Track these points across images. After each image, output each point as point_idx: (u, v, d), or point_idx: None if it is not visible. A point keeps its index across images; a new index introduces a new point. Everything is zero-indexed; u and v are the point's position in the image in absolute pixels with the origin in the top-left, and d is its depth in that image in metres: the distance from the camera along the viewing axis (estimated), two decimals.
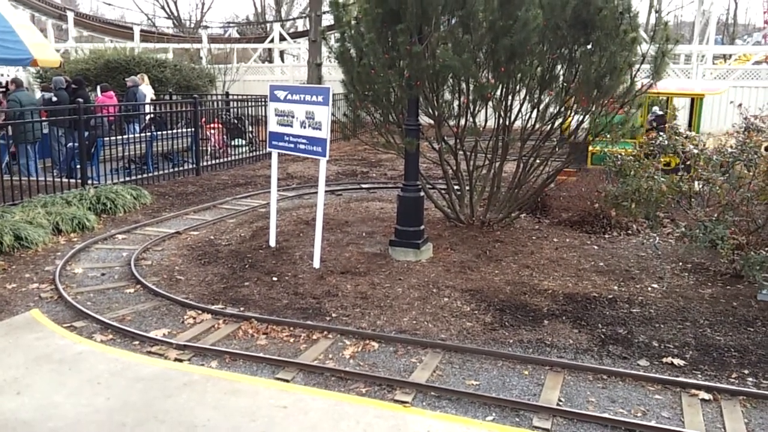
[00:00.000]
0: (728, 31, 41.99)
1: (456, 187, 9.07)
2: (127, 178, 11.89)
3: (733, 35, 41.66)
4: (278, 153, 8.18)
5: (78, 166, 11.03)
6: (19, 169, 10.76)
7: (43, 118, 11.68)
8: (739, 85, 19.30)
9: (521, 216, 9.41)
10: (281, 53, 32.07)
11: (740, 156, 7.26)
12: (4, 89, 13.54)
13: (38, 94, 14.29)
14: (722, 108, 18.90)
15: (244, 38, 34.29)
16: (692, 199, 7.75)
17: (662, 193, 7.56)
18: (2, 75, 19.34)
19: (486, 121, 8.60)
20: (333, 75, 17.85)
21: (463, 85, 8.10)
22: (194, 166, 13.62)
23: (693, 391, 4.64)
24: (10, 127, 11.11)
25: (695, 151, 7.71)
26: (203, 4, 51.86)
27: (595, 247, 8.16)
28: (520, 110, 8.37)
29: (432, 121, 8.44)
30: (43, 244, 8.02)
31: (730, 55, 26.60)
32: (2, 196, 9.26)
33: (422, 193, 7.64)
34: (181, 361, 5.10)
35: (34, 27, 13.26)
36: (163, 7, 41.42)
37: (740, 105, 8.46)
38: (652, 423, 4.23)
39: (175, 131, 13.52)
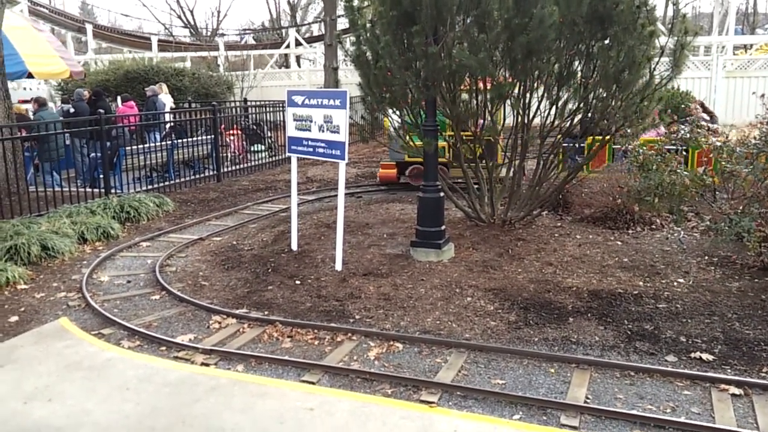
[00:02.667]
0: (748, 21, 41.40)
1: (476, 186, 9.05)
2: (150, 187, 12.03)
3: (754, 24, 41.06)
4: (297, 157, 8.22)
5: (101, 176, 11.17)
6: (43, 181, 10.94)
7: (64, 130, 11.84)
8: (762, 75, 19.02)
9: (543, 214, 9.36)
10: (297, 58, 32.21)
11: (765, 147, 7.16)
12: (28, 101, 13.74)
13: (56, 108, 14.50)
14: (744, 99, 18.65)
15: (261, 44, 34.52)
16: (716, 192, 7.66)
17: (686, 187, 7.49)
18: (26, 89, 19.66)
19: (504, 119, 8.57)
20: (349, 78, 17.90)
21: (480, 85, 8.08)
22: (215, 172, 13.74)
23: (723, 386, 4.58)
24: (34, 141, 11.28)
25: (718, 143, 7.62)
26: (219, 12, 52.38)
27: (619, 243, 8.09)
28: (538, 107, 8.33)
29: (450, 121, 8.43)
30: (69, 253, 8.14)
31: (751, 45, 26.20)
32: (28, 207, 9.40)
33: (442, 194, 7.63)
34: (207, 365, 5.15)
35: (43, 38, 13.34)
36: (179, 17, 41.89)
37: (763, 95, 8.35)
38: (682, 419, 4.18)
39: (195, 139, 13.65)
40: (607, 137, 8.34)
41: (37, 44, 11.06)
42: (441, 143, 10.80)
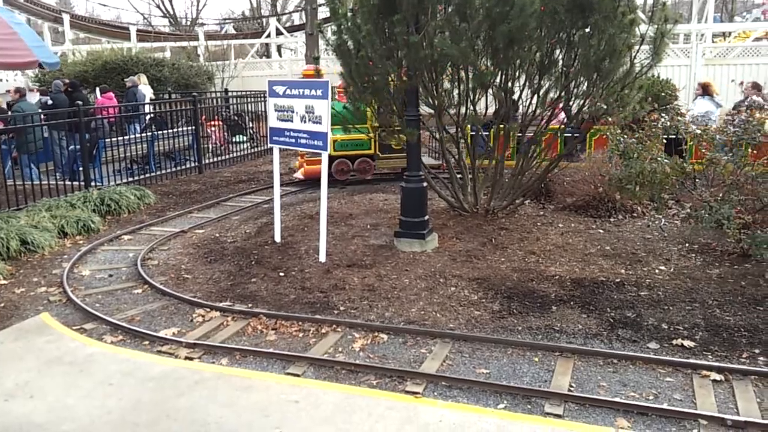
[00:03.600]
0: (727, 9, 41.70)
1: (459, 176, 9.06)
2: (130, 179, 11.90)
3: (732, 12, 41.36)
4: (279, 148, 8.17)
5: (80, 169, 11.03)
6: (22, 174, 10.78)
7: (43, 123, 11.66)
8: (740, 62, 19.19)
9: (525, 203, 9.39)
10: (278, 48, 31.96)
11: (743, 135, 7.23)
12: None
13: (35, 98, 14.26)
14: (723, 86, 18.80)
15: (241, 34, 34.18)
16: (696, 180, 7.73)
17: (666, 175, 7.54)
18: (0, 80, 19.34)
19: (486, 108, 8.57)
20: (331, 68, 17.77)
21: (462, 74, 8.07)
22: (196, 164, 13.63)
23: (704, 372, 4.63)
24: (11, 134, 11.09)
25: (698, 131, 7.68)
26: (198, 1, 51.64)
27: (601, 231, 8.14)
28: (520, 96, 8.34)
29: (432, 111, 8.42)
30: (49, 247, 8.05)
31: (730, 33, 26.42)
32: (6, 201, 9.27)
33: (425, 184, 7.63)
34: (191, 359, 5.12)
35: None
36: (158, 6, 41.34)
37: (741, 83, 8.41)
38: (664, 405, 4.23)
39: (175, 130, 13.52)
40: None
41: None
42: (363, 135, 11.28)
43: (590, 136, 10.86)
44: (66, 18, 28.31)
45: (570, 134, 8.82)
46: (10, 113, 12.09)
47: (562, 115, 8.87)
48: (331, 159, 11.13)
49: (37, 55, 9.90)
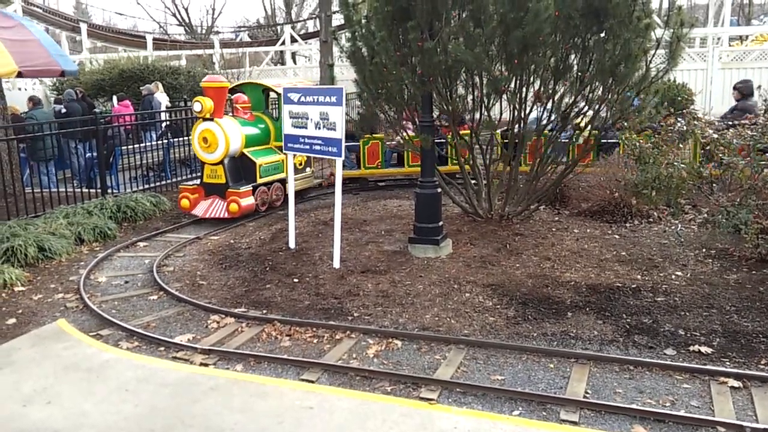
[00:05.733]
0: (744, 12, 41.36)
1: (473, 181, 9.04)
2: (146, 186, 11.98)
3: (749, 15, 41.00)
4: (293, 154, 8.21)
5: (97, 176, 11.13)
6: (39, 182, 10.90)
7: (58, 130, 11.78)
8: (758, 66, 19.00)
9: (540, 208, 9.35)
10: (293, 55, 32.09)
11: (761, 139, 7.16)
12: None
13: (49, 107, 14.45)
14: None
15: (256, 42, 34.39)
16: (713, 185, 7.66)
17: (683, 180, 7.49)
18: (20, 89, 19.59)
19: (501, 114, 8.55)
20: (345, 74, 17.81)
21: (477, 79, 8.06)
22: None
23: (722, 379, 4.58)
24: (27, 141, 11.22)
25: (715, 135, 7.62)
26: (214, 9, 52.20)
27: (617, 237, 8.08)
28: (534, 102, 8.30)
29: (447, 117, 8.42)
30: (66, 254, 8.12)
31: (747, 36, 26.18)
32: (24, 208, 9.38)
33: (439, 189, 7.62)
34: (206, 365, 5.14)
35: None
36: (174, 15, 41.69)
37: (759, 87, 8.34)
38: (682, 412, 4.18)
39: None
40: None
41: (25, 39, 10.87)
42: (282, 156, 10.11)
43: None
44: (83, 27, 28.65)
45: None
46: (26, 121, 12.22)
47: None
48: (254, 188, 9.95)
49: (58, 63, 10.09)
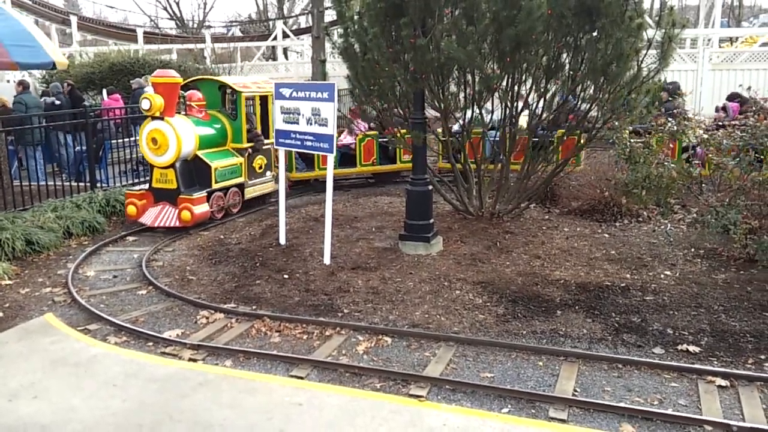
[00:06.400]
0: (734, 14, 41.59)
1: (464, 179, 9.04)
2: (136, 180, 11.90)
3: (739, 17, 41.25)
4: (285, 150, 8.18)
5: (86, 170, 11.05)
6: (28, 175, 10.80)
7: (49, 123, 11.68)
8: (747, 67, 19.13)
9: (530, 206, 9.37)
10: (285, 50, 31.99)
11: (751, 140, 7.20)
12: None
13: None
14: (730, 91, 18.73)
15: (247, 37, 34.28)
16: (703, 185, 7.70)
17: (673, 180, 7.52)
18: (8, 81, 19.40)
19: (492, 112, 8.56)
20: (337, 70, 17.77)
21: (469, 77, 8.06)
22: None
23: (709, 378, 4.61)
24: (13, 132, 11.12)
25: (705, 136, 7.66)
26: (205, 4, 51.71)
27: (606, 236, 8.11)
28: (526, 100, 8.32)
29: (438, 114, 8.42)
30: (54, 248, 8.07)
31: (737, 38, 26.33)
32: (12, 201, 9.30)
33: (431, 187, 7.62)
34: (195, 361, 5.12)
35: (39, 30, 13.21)
36: (165, 8, 41.45)
37: (749, 88, 8.39)
38: (670, 411, 4.21)
39: None
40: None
41: (42, 33, 10.72)
42: (239, 159, 9.60)
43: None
44: (74, 20, 28.43)
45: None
46: (12, 106, 12.11)
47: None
48: (209, 194, 9.18)
49: (12, 56, 9.55)
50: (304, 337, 5.50)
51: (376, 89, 8.07)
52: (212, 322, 5.87)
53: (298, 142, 7.64)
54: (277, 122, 7.84)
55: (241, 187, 9.87)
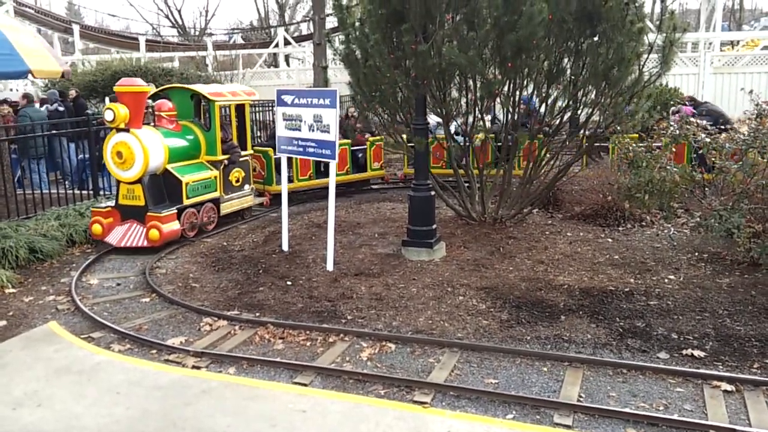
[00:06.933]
0: (735, 17, 41.63)
1: (466, 184, 9.04)
2: None
3: (740, 21, 41.29)
4: (287, 157, 8.18)
5: (89, 178, 11.07)
6: (31, 183, 10.83)
7: (53, 131, 11.71)
8: (748, 71, 19.14)
9: (533, 211, 9.36)
10: (286, 57, 32.10)
11: (753, 143, 7.19)
12: (14, 105, 13.59)
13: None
14: (732, 95, 18.74)
15: (249, 44, 34.38)
16: (706, 189, 7.68)
17: (675, 184, 7.51)
18: (12, 90, 19.48)
19: (493, 117, 8.57)
20: (339, 77, 17.84)
21: (470, 83, 8.07)
22: None
23: (715, 382, 4.59)
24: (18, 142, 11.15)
25: (707, 140, 7.65)
26: (207, 11, 52.12)
27: (610, 240, 8.10)
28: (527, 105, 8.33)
29: (440, 120, 8.43)
30: (57, 256, 8.07)
31: (738, 41, 26.36)
32: (16, 210, 9.31)
33: (433, 192, 7.62)
34: (198, 368, 5.11)
35: (36, 36, 13.17)
36: (167, 16, 41.60)
37: (751, 91, 8.39)
38: (675, 416, 4.18)
39: None
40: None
41: (32, 41, 10.66)
42: (213, 173, 9.02)
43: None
44: (76, 29, 28.57)
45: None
46: (17, 118, 12.16)
47: None
48: (180, 211, 8.53)
49: (60, 63, 9.65)
50: (308, 343, 5.49)
51: (377, 95, 8.08)
52: (216, 329, 5.86)
53: (300, 149, 7.65)
54: (279, 129, 7.85)
55: (216, 202, 9.25)
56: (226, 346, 5.48)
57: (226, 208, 9.47)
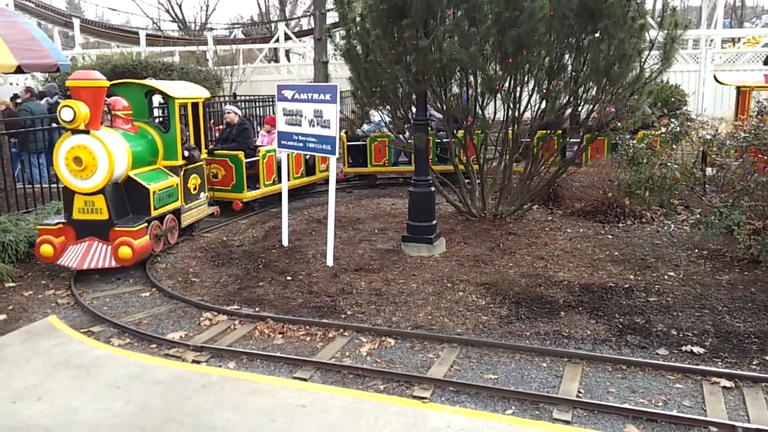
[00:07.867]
0: (736, 14, 41.57)
1: (467, 180, 9.04)
2: None
3: (742, 18, 41.23)
4: (287, 152, 8.17)
5: None
6: (31, 177, 10.81)
7: (53, 125, 11.69)
8: (750, 68, 19.10)
9: (533, 207, 9.36)
10: (287, 52, 32.04)
11: (754, 140, 7.19)
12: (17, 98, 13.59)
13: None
14: (733, 92, 18.71)
15: (250, 39, 34.31)
16: (706, 186, 7.68)
17: (676, 180, 7.51)
18: (12, 84, 19.46)
19: (495, 113, 8.56)
20: (339, 72, 17.78)
21: (471, 78, 8.06)
22: None
23: (714, 379, 4.59)
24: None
25: (708, 137, 7.64)
26: (207, 6, 51.97)
27: (610, 237, 8.10)
28: (529, 101, 8.32)
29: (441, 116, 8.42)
30: None
31: (739, 39, 26.31)
32: (16, 204, 9.30)
33: (433, 188, 7.61)
34: (198, 362, 5.11)
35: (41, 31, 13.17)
36: (167, 11, 41.53)
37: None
38: (674, 412, 4.19)
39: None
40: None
41: (22, 34, 10.61)
42: (174, 180, 7.87)
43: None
44: (76, 23, 28.51)
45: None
46: (18, 111, 12.15)
47: None
48: (147, 223, 7.37)
49: (54, 58, 9.92)
50: (308, 338, 5.49)
51: (378, 91, 8.07)
52: (215, 324, 5.87)
53: (301, 144, 7.64)
54: (280, 124, 7.85)
55: (177, 213, 8.10)
56: (225, 341, 5.48)
57: (187, 219, 8.36)
